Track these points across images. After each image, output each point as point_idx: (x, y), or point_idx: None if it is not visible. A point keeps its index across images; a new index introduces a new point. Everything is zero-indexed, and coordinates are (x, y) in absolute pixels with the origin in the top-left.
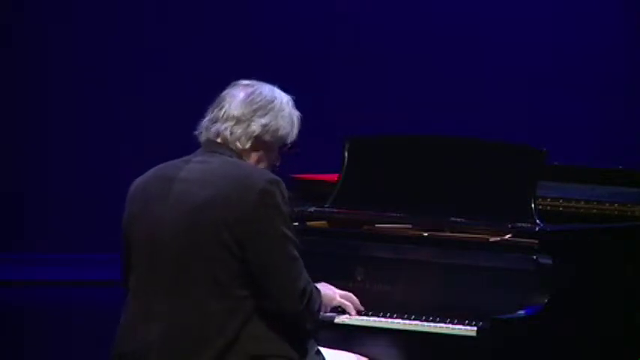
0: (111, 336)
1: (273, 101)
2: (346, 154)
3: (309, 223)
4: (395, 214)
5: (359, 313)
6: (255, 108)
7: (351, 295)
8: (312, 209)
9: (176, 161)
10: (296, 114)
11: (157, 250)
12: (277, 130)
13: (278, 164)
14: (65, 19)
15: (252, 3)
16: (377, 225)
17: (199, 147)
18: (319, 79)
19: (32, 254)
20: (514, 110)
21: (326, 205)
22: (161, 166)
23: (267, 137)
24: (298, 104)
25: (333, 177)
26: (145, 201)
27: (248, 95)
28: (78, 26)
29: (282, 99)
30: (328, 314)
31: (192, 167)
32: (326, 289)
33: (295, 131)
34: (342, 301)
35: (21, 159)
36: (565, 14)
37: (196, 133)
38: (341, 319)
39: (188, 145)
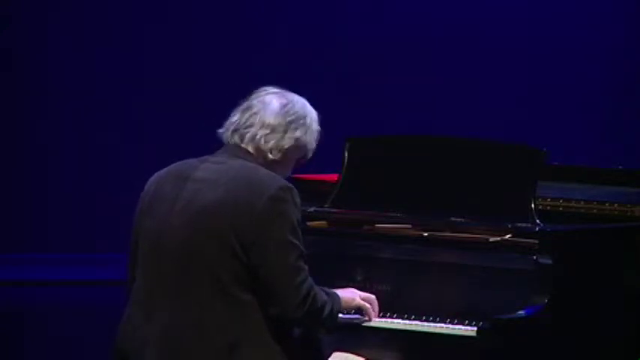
0: (111, 336)
1: (306, 116)
2: (346, 154)
3: (309, 223)
4: (395, 214)
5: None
6: (290, 120)
7: (372, 297)
8: (312, 209)
9: (194, 160)
10: (318, 129)
11: (162, 248)
12: (305, 145)
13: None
14: (65, 18)
15: (252, 3)
16: (377, 225)
17: (201, 147)
18: (319, 79)
19: (32, 254)
20: (514, 110)
21: (326, 205)
22: (179, 163)
23: (295, 150)
24: None
25: (333, 177)
26: (156, 198)
27: (283, 106)
28: (78, 25)
29: (312, 115)
30: (345, 316)
31: (207, 167)
32: (346, 293)
33: (315, 145)
34: (363, 303)
35: (21, 159)
36: (565, 14)
37: (220, 131)
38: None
39: (189, 145)
